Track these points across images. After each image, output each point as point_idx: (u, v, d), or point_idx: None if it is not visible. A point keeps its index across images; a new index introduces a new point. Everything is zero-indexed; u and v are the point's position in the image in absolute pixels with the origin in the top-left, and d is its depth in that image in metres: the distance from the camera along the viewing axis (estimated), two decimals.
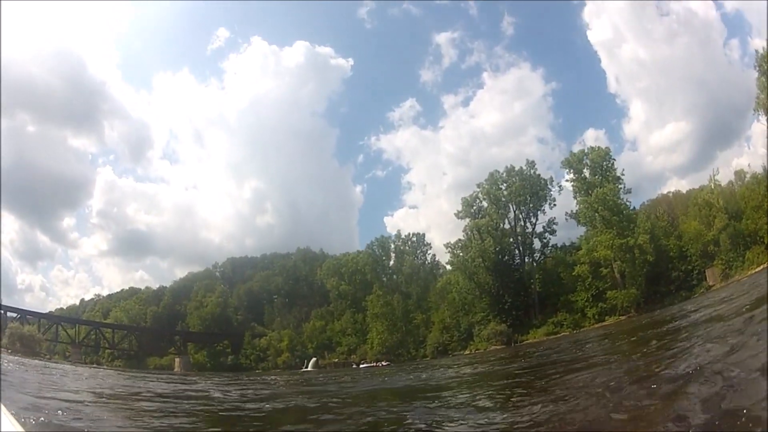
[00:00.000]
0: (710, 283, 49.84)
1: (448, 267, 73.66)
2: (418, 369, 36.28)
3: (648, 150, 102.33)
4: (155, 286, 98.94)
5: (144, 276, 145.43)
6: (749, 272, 45.21)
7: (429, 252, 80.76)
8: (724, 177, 55.76)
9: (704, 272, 51.43)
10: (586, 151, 60.86)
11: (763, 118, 51.14)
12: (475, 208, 67.70)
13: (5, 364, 23.98)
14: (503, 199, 66.15)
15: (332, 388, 22.16)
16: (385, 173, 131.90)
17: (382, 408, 12.80)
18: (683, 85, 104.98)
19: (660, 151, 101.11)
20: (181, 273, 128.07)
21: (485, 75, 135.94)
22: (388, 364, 62.69)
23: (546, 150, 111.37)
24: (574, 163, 60.39)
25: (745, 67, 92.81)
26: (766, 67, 48.45)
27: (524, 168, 66.24)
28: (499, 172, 66.96)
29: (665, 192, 74.20)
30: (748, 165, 56.09)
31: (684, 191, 69.62)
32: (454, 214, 69.06)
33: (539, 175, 65.95)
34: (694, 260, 52.67)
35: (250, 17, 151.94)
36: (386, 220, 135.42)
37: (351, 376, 34.52)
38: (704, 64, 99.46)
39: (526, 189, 64.59)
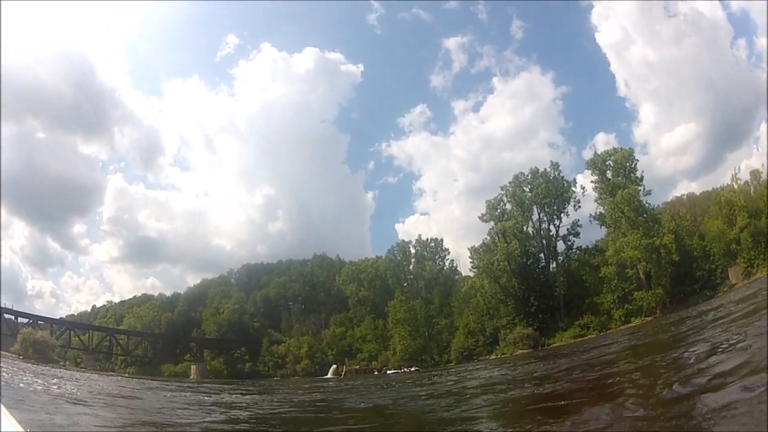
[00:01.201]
0: (733, 282, 54.39)
1: (469, 272, 79.25)
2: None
3: (658, 152, 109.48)
4: (166, 293, 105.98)
5: (155, 283, 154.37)
6: None
7: (447, 257, 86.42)
8: (738, 178, 61.37)
9: (727, 271, 56.17)
10: (609, 152, 66.58)
11: None
12: (499, 211, 73.06)
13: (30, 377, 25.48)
14: (527, 202, 71.63)
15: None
16: (396, 179, 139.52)
17: None
18: (692, 86, 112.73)
19: (670, 154, 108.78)
20: (192, 280, 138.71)
21: (495, 80, 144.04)
22: (416, 369, 67.30)
23: (557, 154, 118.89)
24: (598, 164, 65.82)
25: (752, 67, 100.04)
26: None
27: (548, 170, 71.87)
28: (524, 174, 72.45)
29: (678, 195, 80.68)
30: (762, 165, 60.36)
31: (697, 193, 76.12)
32: (478, 217, 74.59)
33: (563, 177, 71.47)
34: (716, 259, 57.16)
35: (260, 24, 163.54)
36: (398, 227, 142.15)
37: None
38: (712, 64, 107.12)
39: (551, 191, 69.75)
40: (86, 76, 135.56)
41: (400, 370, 69.68)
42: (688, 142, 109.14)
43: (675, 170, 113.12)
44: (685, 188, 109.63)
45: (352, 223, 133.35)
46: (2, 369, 28.14)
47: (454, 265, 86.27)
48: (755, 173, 60.41)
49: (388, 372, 69.60)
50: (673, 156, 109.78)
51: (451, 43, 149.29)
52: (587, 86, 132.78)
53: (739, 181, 58.78)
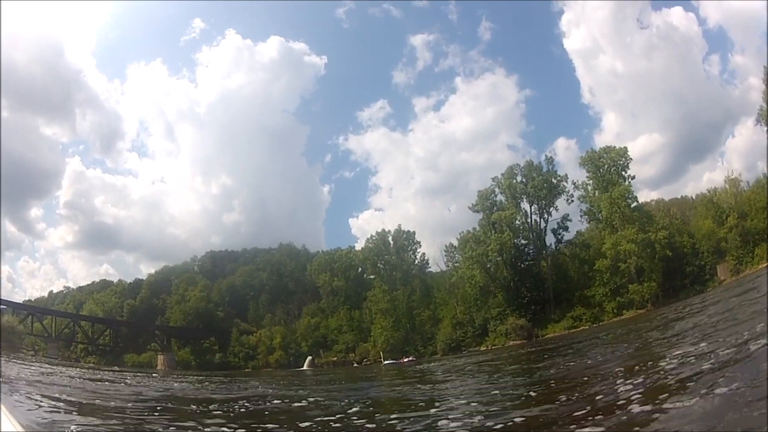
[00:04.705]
0: (722, 278, 62.16)
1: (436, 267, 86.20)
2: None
3: None
4: (122, 280, 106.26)
5: (109, 270, 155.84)
6: (759, 267, 58.63)
7: (419, 250, 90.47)
8: (699, 189, 70.79)
9: (715, 267, 64.14)
10: (605, 149, 73.23)
11: (765, 129, 66.30)
12: (489, 201, 78.39)
13: None
14: (520, 194, 77.04)
15: None
16: (352, 174, 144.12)
17: None
18: (659, 99, 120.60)
19: (632, 163, 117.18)
20: (146, 268, 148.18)
21: (458, 80, 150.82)
22: (410, 360, 70.78)
23: (516, 157, 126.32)
24: (595, 160, 72.47)
25: (724, 83, 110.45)
26: None
27: (542, 163, 78.04)
28: (519, 165, 78.14)
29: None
30: (739, 174, 69.56)
31: (666, 199, 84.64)
32: (469, 207, 79.93)
33: (556, 171, 77.67)
34: (706, 256, 64.97)
35: (227, 9, 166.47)
36: (351, 221, 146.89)
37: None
38: (682, 78, 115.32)
39: (545, 185, 75.57)
40: (55, 57, 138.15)
41: (397, 361, 72.00)
42: (652, 153, 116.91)
43: (636, 179, 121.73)
44: (645, 197, 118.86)
45: (307, 216, 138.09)
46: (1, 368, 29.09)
47: (425, 258, 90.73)
48: (734, 181, 69.22)
49: (384, 363, 71.99)
50: (635, 165, 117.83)
51: (417, 40, 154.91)
52: (551, 91, 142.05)
53: (734, 183, 67.54)
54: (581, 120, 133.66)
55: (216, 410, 17.18)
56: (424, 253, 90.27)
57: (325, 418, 13.59)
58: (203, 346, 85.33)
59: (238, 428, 11.97)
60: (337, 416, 13.78)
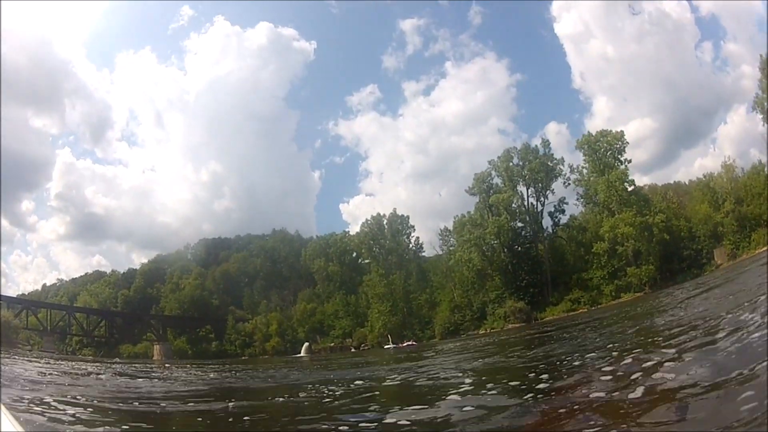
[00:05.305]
0: (719, 262, 63.26)
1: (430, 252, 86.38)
2: None
3: None
4: (115, 270, 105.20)
5: (101, 261, 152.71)
6: (756, 251, 59.37)
7: (413, 234, 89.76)
8: (690, 174, 71.51)
9: (712, 252, 65.32)
10: (601, 132, 73.37)
11: (760, 116, 67.11)
12: (486, 184, 78.56)
13: None
14: (516, 177, 77.27)
15: None
16: (342, 159, 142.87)
17: None
18: (651, 84, 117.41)
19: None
20: (138, 258, 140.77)
21: (448, 64, 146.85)
22: (409, 344, 71.31)
23: (507, 141, 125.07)
24: (591, 143, 72.81)
25: (716, 70, 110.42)
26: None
27: (539, 146, 77.88)
28: (515, 148, 78.28)
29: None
30: (734, 160, 70.11)
31: (659, 185, 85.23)
32: (465, 190, 79.95)
33: (553, 154, 77.59)
34: (702, 241, 66.17)
35: None
36: (342, 207, 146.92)
37: None
38: (674, 64, 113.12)
39: (542, 168, 75.85)
40: (44, 47, 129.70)
41: (398, 345, 72.54)
42: (643, 138, 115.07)
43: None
44: (637, 181, 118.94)
45: (298, 201, 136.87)
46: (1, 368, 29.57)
47: (420, 242, 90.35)
48: (730, 167, 69.76)
49: (386, 347, 72.48)
50: (626, 149, 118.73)
51: (407, 24, 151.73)
52: (542, 75, 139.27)
53: (728, 167, 68.35)
54: (572, 104, 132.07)
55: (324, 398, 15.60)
56: (418, 237, 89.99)
57: (461, 389, 13.16)
58: (199, 334, 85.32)
59: (375, 413, 11.46)
60: (464, 388, 13.48)
